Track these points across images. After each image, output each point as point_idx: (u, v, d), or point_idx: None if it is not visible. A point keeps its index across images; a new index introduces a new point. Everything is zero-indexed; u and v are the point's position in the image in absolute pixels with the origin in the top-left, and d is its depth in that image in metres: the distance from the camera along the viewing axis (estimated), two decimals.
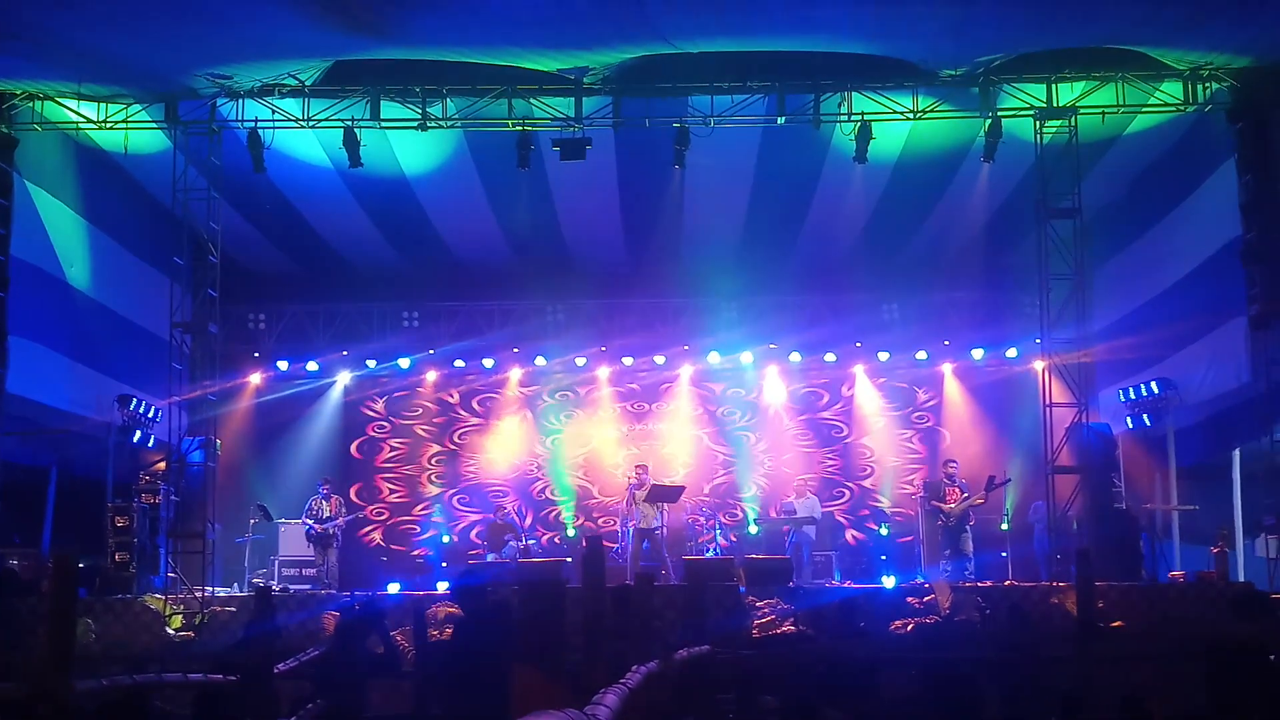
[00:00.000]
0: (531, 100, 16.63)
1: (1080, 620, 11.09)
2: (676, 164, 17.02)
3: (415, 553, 22.29)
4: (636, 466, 19.76)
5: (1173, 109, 16.60)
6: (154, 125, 16.84)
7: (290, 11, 13.86)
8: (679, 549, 19.80)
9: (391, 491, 23.05)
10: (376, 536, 22.70)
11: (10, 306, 15.99)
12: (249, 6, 13.92)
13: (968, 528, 18.23)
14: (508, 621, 9.29)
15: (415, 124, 16.72)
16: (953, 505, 18.17)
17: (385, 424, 23.26)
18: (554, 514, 22.78)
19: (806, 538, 19.55)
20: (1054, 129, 16.89)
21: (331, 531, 18.78)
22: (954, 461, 19.19)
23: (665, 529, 19.15)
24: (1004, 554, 19.23)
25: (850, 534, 22.31)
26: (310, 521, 18.79)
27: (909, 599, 16.06)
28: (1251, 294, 15.86)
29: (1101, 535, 16.78)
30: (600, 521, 22.13)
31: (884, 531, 21.86)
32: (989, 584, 16.81)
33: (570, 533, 22.37)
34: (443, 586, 17.33)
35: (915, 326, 22.40)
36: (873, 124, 16.55)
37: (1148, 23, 14.61)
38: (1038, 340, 18.30)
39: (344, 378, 22.92)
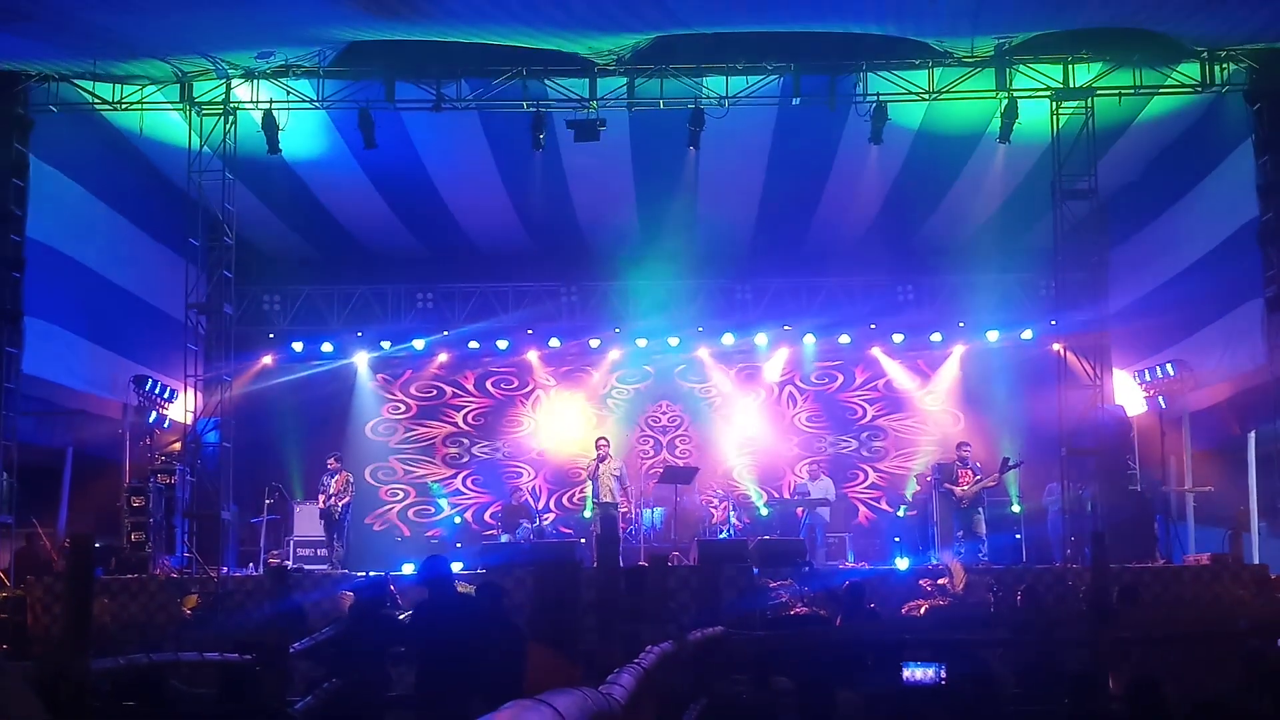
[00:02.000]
0: (546, 81, 16.58)
1: (1094, 603, 11.10)
2: (691, 145, 16.98)
3: (430, 533, 22.36)
4: (597, 440, 19.52)
5: (1190, 90, 16.49)
6: (169, 106, 16.85)
7: None
8: (692, 531, 19.81)
9: (406, 472, 23.09)
10: (391, 517, 22.77)
11: (26, 287, 16.03)
12: None
13: (981, 510, 18.21)
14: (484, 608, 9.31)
15: (430, 105, 16.68)
16: (966, 487, 18.16)
17: (400, 405, 23.30)
18: (569, 495, 22.79)
19: (820, 519, 19.55)
20: (1070, 110, 16.80)
21: (334, 508, 18.72)
22: (967, 444, 19.14)
23: (630, 509, 19.11)
24: (1018, 535, 19.21)
25: (864, 515, 22.30)
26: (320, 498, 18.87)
27: (922, 581, 16.09)
28: (1269, 276, 15.79)
29: (1116, 517, 16.75)
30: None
31: (901, 513, 21.84)
32: (1002, 566, 16.80)
33: (586, 514, 22.39)
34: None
35: (930, 308, 22.37)
36: (888, 105, 16.48)
37: (1165, 3, 14.52)
38: (1053, 322, 18.26)
39: (359, 359, 22.95)
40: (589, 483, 19.15)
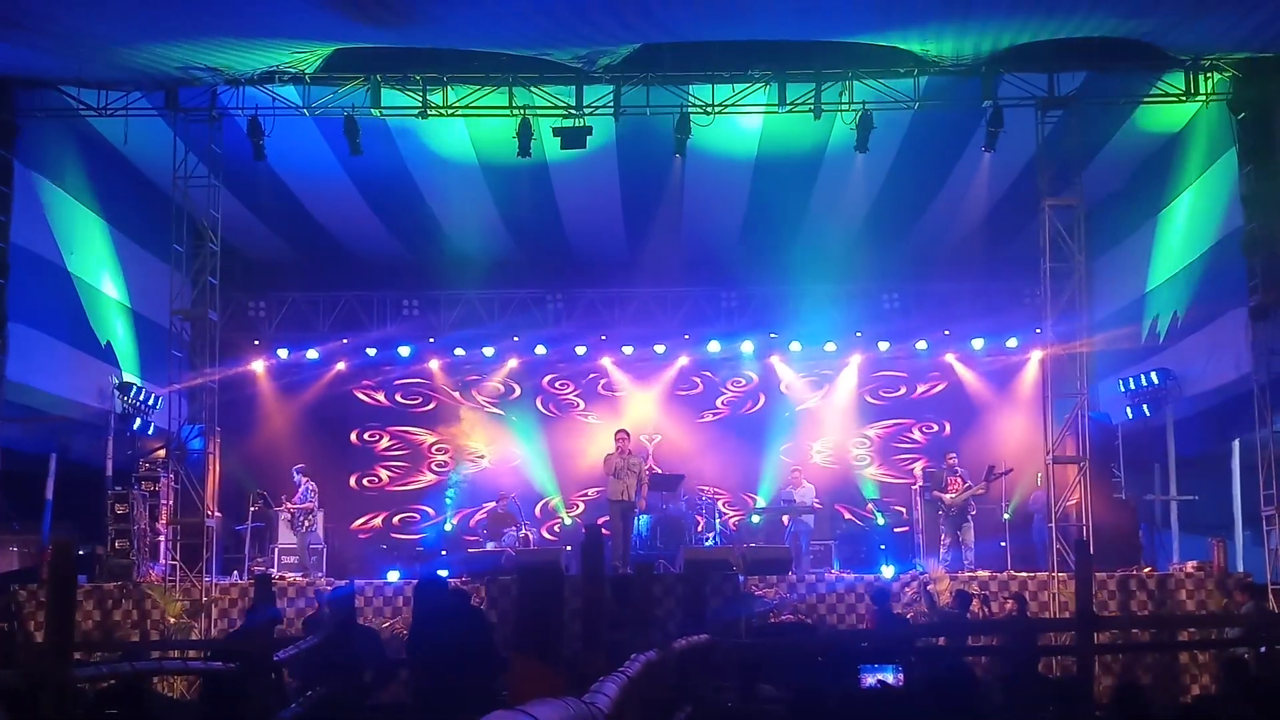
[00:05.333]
0: (532, 88, 16.58)
1: (1079, 610, 11.12)
2: (677, 152, 16.98)
3: (415, 536, 22.33)
4: (616, 433, 18.74)
5: (1174, 99, 16.56)
6: (154, 112, 16.81)
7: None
8: (678, 538, 19.77)
9: (392, 479, 23.06)
10: (376, 524, 22.72)
11: (10, 293, 15.97)
12: None
13: (969, 517, 18.23)
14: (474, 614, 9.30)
15: (416, 112, 16.67)
16: (953, 495, 18.18)
17: (386, 412, 23.26)
18: (552, 503, 22.78)
19: (805, 527, 19.53)
20: (1056, 119, 16.85)
21: (290, 512, 18.87)
22: (954, 452, 19.18)
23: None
24: (1003, 543, 19.23)
25: (848, 523, 22.29)
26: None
27: (907, 588, 16.12)
28: (1252, 285, 15.85)
29: (1101, 525, 16.78)
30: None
31: (881, 521, 21.83)
32: (988, 574, 16.83)
33: (568, 522, 22.38)
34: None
35: (915, 316, 22.40)
36: (874, 113, 16.50)
37: (1150, 13, 14.58)
38: (1038, 330, 18.30)
39: (344, 365, 22.90)
40: (610, 479, 18.01)
